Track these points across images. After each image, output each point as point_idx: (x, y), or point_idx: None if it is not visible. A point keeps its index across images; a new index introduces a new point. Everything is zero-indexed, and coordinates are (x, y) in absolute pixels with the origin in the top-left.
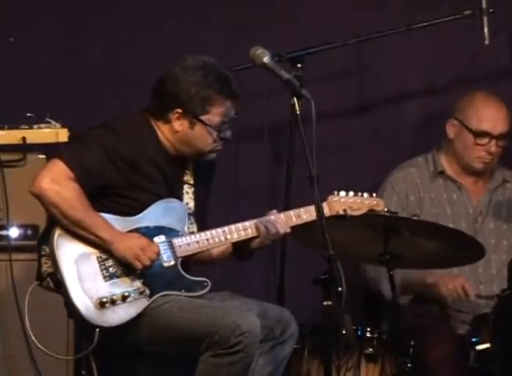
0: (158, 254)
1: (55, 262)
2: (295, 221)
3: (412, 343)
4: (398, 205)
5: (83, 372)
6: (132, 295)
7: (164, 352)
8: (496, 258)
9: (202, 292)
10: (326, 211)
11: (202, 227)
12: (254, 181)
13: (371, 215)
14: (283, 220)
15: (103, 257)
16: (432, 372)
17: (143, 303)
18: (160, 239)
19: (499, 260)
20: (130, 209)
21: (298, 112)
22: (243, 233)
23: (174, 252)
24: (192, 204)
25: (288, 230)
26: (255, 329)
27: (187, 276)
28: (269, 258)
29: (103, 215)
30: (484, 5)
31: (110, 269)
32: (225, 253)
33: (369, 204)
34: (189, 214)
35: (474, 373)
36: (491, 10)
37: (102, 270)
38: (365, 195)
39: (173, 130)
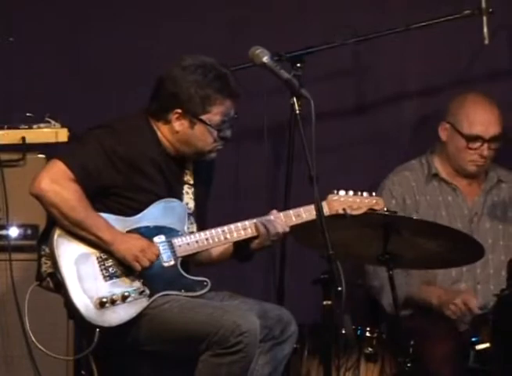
0: (158, 255)
1: (55, 262)
2: (295, 220)
3: (412, 343)
4: (396, 209)
5: (83, 372)
6: (132, 295)
7: (163, 352)
8: (494, 258)
9: (202, 292)
10: (326, 211)
11: (202, 227)
12: (254, 181)
13: (371, 214)
14: (283, 219)
15: (103, 257)
16: (432, 372)
17: (143, 303)
18: (159, 239)
19: (496, 260)
20: (130, 209)
21: (298, 112)
22: (242, 232)
23: (174, 252)
24: (192, 204)
25: (287, 230)
26: (255, 329)
27: (187, 275)
28: (269, 258)
29: (103, 215)
30: (483, 4)
31: (110, 269)
32: (224, 254)
33: (369, 203)
34: (188, 214)
35: (474, 373)
36: (490, 10)
37: (102, 270)
38: (365, 194)
39: (173, 130)
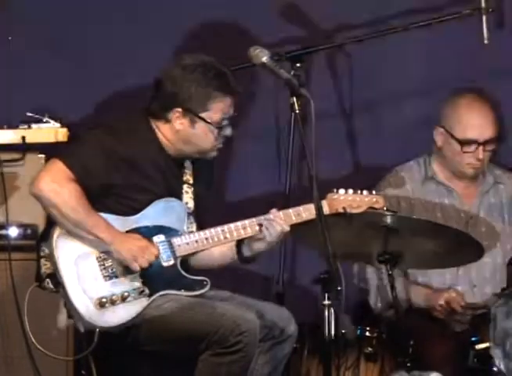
0: (157, 256)
1: (54, 262)
2: (294, 219)
3: (412, 342)
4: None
5: (83, 372)
6: (132, 295)
7: (163, 352)
8: (489, 261)
9: (201, 291)
10: (326, 209)
11: (201, 226)
12: (254, 181)
13: (371, 214)
14: (282, 218)
15: (103, 257)
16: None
17: (143, 303)
18: (159, 238)
19: (492, 263)
20: (129, 209)
21: (297, 111)
22: (242, 231)
23: (173, 252)
24: (191, 204)
25: (287, 229)
26: (255, 328)
27: (187, 275)
28: (269, 258)
29: (103, 215)
30: (483, 4)
31: (110, 269)
32: (226, 257)
33: (369, 201)
34: (188, 213)
35: (474, 372)
36: (490, 9)
37: (101, 270)
38: (365, 192)
39: (174, 129)
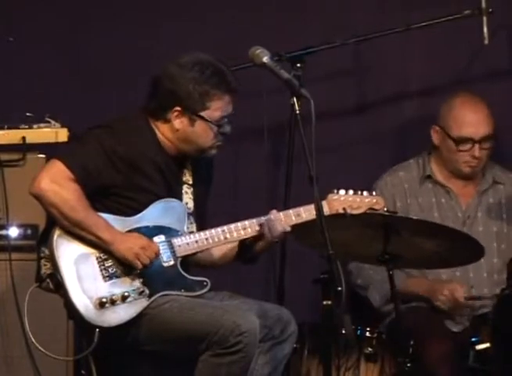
0: (158, 253)
1: (54, 262)
2: (295, 220)
3: (412, 343)
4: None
5: (83, 372)
6: (132, 295)
7: (163, 352)
8: (486, 261)
9: (202, 292)
10: (326, 210)
11: (201, 227)
12: (254, 181)
13: (371, 214)
14: (283, 219)
15: (103, 257)
16: (431, 372)
17: (143, 303)
18: (159, 239)
19: (489, 264)
20: (129, 209)
21: (298, 112)
22: (242, 232)
23: (173, 252)
24: (191, 204)
25: (288, 229)
26: (255, 329)
27: (187, 275)
28: (269, 258)
29: (103, 215)
30: (483, 4)
31: (110, 269)
32: (227, 256)
33: (369, 202)
34: (188, 213)
35: (474, 372)
36: (490, 10)
37: (101, 270)
38: (365, 193)
39: (173, 128)
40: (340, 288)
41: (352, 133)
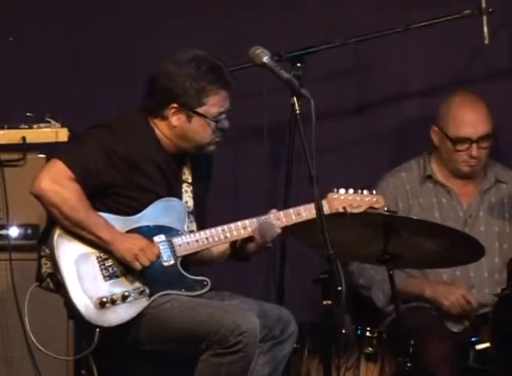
0: (158, 255)
1: (54, 262)
2: (295, 219)
3: (412, 342)
4: None
5: (83, 372)
6: (132, 295)
7: (164, 352)
8: (488, 261)
9: (202, 291)
10: (326, 209)
11: (201, 225)
12: (253, 181)
13: (371, 214)
14: (283, 219)
15: (103, 257)
16: (431, 372)
17: (143, 303)
18: (159, 238)
19: (490, 263)
20: (130, 209)
21: (298, 112)
22: (242, 231)
23: (174, 251)
24: (191, 203)
25: (278, 231)
26: (255, 328)
27: (187, 275)
28: (269, 258)
29: (103, 214)
30: (483, 4)
31: (110, 269)
32: (224, 253)
33: (369, 201)
34: (188, 212)
35: (474, 372)
36: (490, 10)
37: (102, 270)
38: (365, 192)
39: (170, 126)
40: (340, 288)
41: (352, 133)
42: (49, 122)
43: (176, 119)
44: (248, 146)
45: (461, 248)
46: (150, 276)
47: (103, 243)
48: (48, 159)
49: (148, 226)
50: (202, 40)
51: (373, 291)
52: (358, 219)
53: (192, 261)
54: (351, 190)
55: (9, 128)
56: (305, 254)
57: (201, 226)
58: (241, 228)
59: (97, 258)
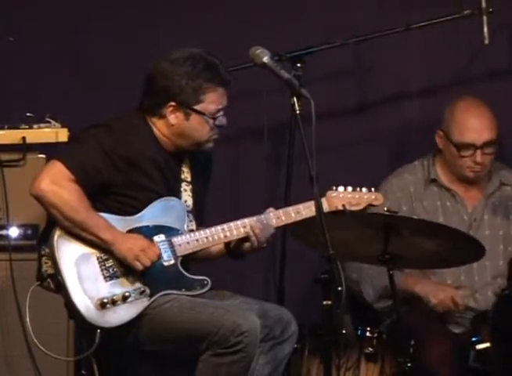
0: (159, 255)
1: (55, 263)
2: (294, 217)
3: (413, 343)
4: None
5: (83, 372)
6: (133, 295)
7: (164, 352)
8: (491, 264)
9: (202, 291)
10: (325, 207)
11: (200, 224)
12: (254, 181)
13: (371, 214)
14: (283, 217)
15: (103, 257)
16: (432, 372)
17: (144, 303)
18: (159, 238)
19: (494, 266)
20: (130, 208)
21: (298, 112)
22: (242, 230)
23: (173, 251)
24: (190, 202)
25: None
26: (255, 329)
27: (187, 274)
28: (269, 258)
29: (104, 215)
30: (483, 4)
31: (111, 270)
32: (222, 251)
33: (368, 198)
34: (187, 211)
35: (474, 372)
36: (490, 10)
37: (102, 271)
38: (364, 190)
39: (168, 124)
40: (340, 288)
41: (352, 133)
42: (49, 122)
43: (174, 117)
44: (248, 146)
45: (461, 248)
46: (151, 276)
47: (104, 243)
48: (48, 159)
49: (148, 226)
50: (202, 40)
51: (363, 285)
52: (359, 219)
53: (191, 258)
54: (349, 188)
55: (9, 128)
56: (305, 254)
57: (200, 225)
58: (241, 227)
59: (97, 258)
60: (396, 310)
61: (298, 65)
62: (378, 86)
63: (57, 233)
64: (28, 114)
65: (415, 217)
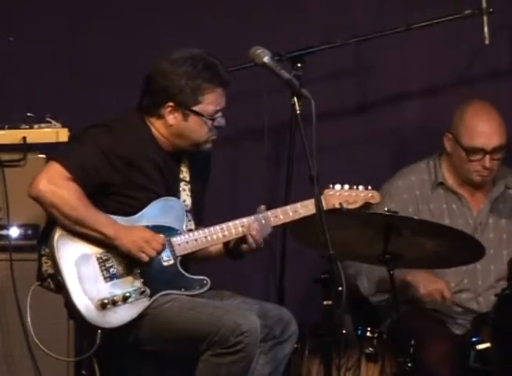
0: (164, 245)
1: (55, 264)
2: (292, 216)
3: (413, 343)
4: None
5: (84, 372)
6: (133, 296)
7: (164, 352)
8: (496, 268)
9: (202, 291)
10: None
11: (199, 224)
12: (254, 181)
13: (371, 214)
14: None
15: (103, 258)
16: (432, 372)
17: (144, 303)
18: None
19: (498, 270)
20: (129, 208)
21: (298, 112)
22: (240, 229)
23: (173, 251)
24: (189, 201)
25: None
26: (255, 328)
27: (187, 274)
28: (269, 258)
29: None
30: (484, 4)
31: (111, 270)
32: (221, 251)
33: (365, 196)
34: (186, 211)
35: (475, 372)
36: (491, 10)
37: (102, 271)
38: (361, 188)
39: (167, 124)
40: (340, 288)
41: (353, 133)
42: (50, 122)
43: (172, 118)
44: (248, 146)
45: (462, 248)
46: (151, 277)
47: (107, 238)
48: (48, 159)
49: (147, 226)
50: (202, 40)
51: (359, 279)
52: (359, 219)
53: (191, 258)
54: (346, 186)
55: (9, 128)
56: (305, 254)
57: (199, 225)
58: (239, 226)
59: (97, 259)
60: (396, 310)
61: (298, 65)
62: (378, 86)
63: (57, 234)
64: (29, 114)
65: (415, 217)
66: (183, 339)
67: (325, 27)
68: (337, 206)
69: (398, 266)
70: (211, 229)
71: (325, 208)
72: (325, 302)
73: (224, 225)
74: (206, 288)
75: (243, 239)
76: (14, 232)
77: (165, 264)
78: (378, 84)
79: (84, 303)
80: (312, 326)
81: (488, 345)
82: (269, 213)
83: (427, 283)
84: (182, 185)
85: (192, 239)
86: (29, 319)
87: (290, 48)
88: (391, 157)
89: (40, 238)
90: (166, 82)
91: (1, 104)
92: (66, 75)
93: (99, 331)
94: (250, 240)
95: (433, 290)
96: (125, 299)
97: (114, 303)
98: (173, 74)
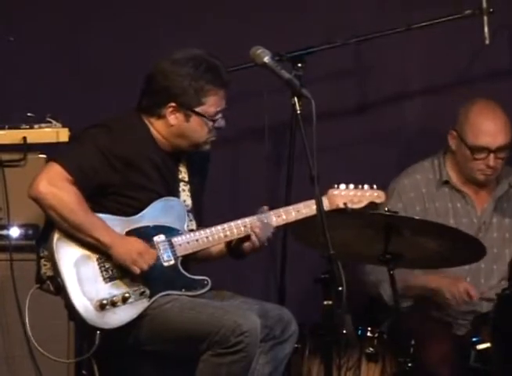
0: (157, 258)
1: (55, 265)
2: (294, 216)
3: (413, 343)
4: (401, 214)
5: (84, 372)
6: (133, 296)
7: (164, 352)
8: (498, 267)
9: (202, 291)
10: (326, 205)
11: (200, 223)
12: (254, 181)
13: (372, 214)
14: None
15: (103, 259)
16: (432, 372)
17: (144, 304)
18: (159, 238)
19: (501, 270)
20: (129, 208)
21: (299, 112)
22: (242, 229)
23: (174, 251)
24: (189, 202)
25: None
26: (256, 328)
27: (187, 274)
28: (269, 258)
29: (103, 216)
30: (484, 4)
31: (110, 271)
32: (222, 251)
33: (370, 196)
34: (187, 211)
35: (475, 372)
36: (491, 10)
37: (102, 272)
38: (366, 187)
39: (167, 124)
40: (340, 288)
41: (353, 133)
42: (50, 122)
43: (174, 118)
44: (249, 146)
45: (463, 248)
46: (150, 277)
47: (102, 246)
48: (48, 160)
49: (148, 226)
50: (202, 40)
51: (381, 286)
52: (359, 219)
53: (191, 259)
54: (351, 186)
55: (9, 128)
56: (305, 254)
57: (200, 225)
58: (241, 226)
59: (97, 259)
60: (396, 310)
61: (299, 65)
62: (379, 86)
63: (56, 236)
64: (29, 114)
65: (415, 217)
66: (183, 339)
67: (325, 27)
68: (342, 206)
69: (399, 266)
70: (213, 229)
71: (329, 208)
72: (325, 302)
73: (225, 226)
74: (207, 289)
75: (245, 238)
76: (14, 232)
77: (166, 264)
78: (378, 84)
79: (83, 304)
80: (313, 326)
81: (488, 345)
82: (271, 213)
83: (450, 287)
84: (182, 185)
85: (193, 239)
86: (27, 321)
87: (290, 48)
88: (391, 157)
89: (38, 240)
90: (167, 82)
91: (1, 104)
92: (66, 75)
93: (98, 332)
94: (254, 238)
95: (458, 292)
96: (125, 300)
97: (113, 304)
98: (175, 74)
